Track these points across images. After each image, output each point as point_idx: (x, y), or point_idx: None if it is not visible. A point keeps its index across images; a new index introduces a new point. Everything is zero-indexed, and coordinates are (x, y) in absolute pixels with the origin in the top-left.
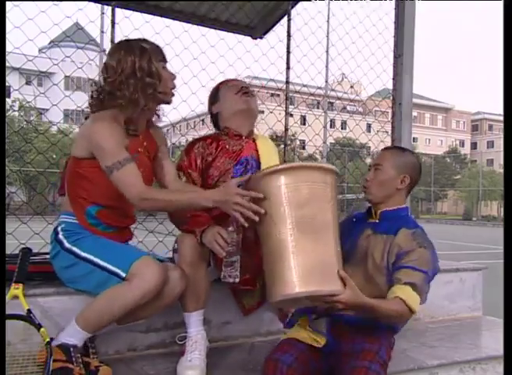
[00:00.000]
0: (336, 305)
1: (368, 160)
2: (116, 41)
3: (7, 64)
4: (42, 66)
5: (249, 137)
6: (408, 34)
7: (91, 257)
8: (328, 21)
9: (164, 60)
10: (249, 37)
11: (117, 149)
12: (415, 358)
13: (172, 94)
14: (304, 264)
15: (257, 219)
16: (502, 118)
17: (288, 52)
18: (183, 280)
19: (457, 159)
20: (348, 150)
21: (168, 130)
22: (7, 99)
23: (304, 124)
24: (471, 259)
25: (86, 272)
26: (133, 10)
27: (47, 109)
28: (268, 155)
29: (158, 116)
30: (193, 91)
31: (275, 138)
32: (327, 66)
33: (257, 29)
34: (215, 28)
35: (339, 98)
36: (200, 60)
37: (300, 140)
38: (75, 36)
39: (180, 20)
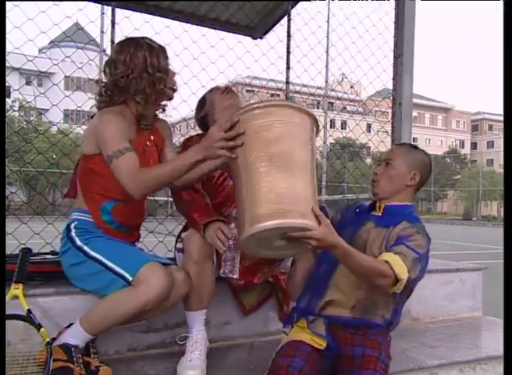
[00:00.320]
0: (309, 242)
1: (368, 160)
2: (116, 41)
3: (7, 64)
4: (42, 66)
5: None
6: (408, 34)
7: (100, 257)
8: (328, 21)
9: (167, 58)
10: (249, 37)
11: (118, 139)
12: (415, 358)
13: (174, 91)
14: (276, 199)
15: (233, 156)
16: (502, 118)
17: (288, 52)
18: (187, 282)
19: (457, 159)
20: (348, 150)
21: None
22: (7, 99)
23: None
24: (471, 259)
25: (93, 271)
26: (133, 10)
27: (47, 109)
28: None
29: (164, 109)
30: (193, 91)
31: None
32: (327, 66)
33: (257, 29)
34: (215, 28)
35: (339, 98)
36: (200, 60)
37: None
38: (75, 36)
39: (180, 20)
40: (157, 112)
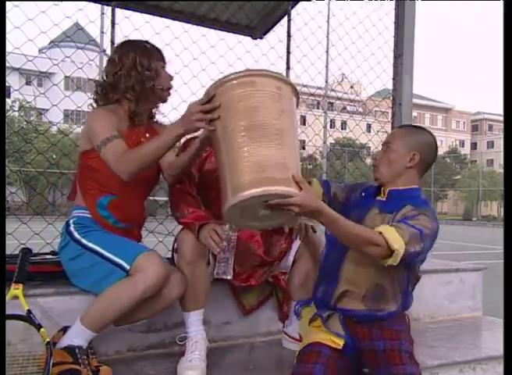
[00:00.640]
0: (291, 208)
1: (368, 160)
2: (116, 41)
3: (7, 64)
4: (42, 67)
5: None
6: (408, 34)
7: (97, 248)
8: (328, 21)
9: (163, 61)
10: (249, 38)
11: (106, 129)
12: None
13: (169, 94)
14: (256, 168)
15: (211, 128)
16: (502, 118)
17: (288, 52)
18: (183, 283)
19: (457, 159)
20: (348, 150)
21: None
22: (7, 99)
23: (304, 124)
24: (471, 259)
25: (90, 263)
26: (133, 10)
27: (47, 109)
28: None
29: (157, 108)
30: (193, 91)
31: None
32: (327, 66)
33: (257, 29)
34: (215, 28)
35: (339, 98)
36: (200, 60)
37: (300, 140)
38: (75, 36)
39: (180, 20)
40: (154, 113)
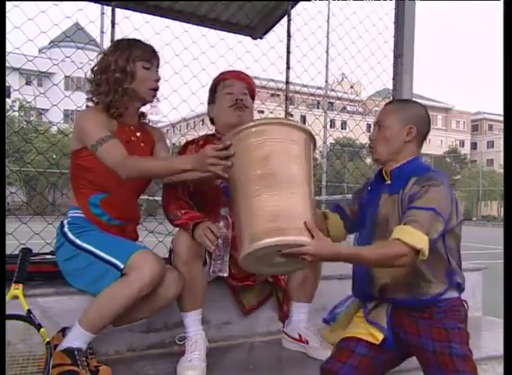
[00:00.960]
0: (304, 257)
1: (368, 160)
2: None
3: (7, 64)
4: (42, 66)
5: None
6: (408, 34)
7: (91, 248)
8: (328, 21)
9: (148, 61)
10: (249, 38)
11: (99, 129)
12: (415, 358)
13: (153, 95)
14: (268, 218)
15: (225, 174)
16: (502, 118)
17: (288, 52)
18: (180, 282)
19: (457, 159)
20: (348, 150)
21: (168, 130)
22: (7, 99)
23: (304, 124)
24: (471, 259)
25: (85, 264)
26: (133, 10)
27: (47, 109)
28: None
29: (144, 113)
30: (193, 91)
31: None
32: (327, 66)
33: (257, 29)
34: (215, 28)
35: (339, 98)
36: (200, 60)
37: None
38: (75, 36)
39: (180, 20)
40: (145, 113)
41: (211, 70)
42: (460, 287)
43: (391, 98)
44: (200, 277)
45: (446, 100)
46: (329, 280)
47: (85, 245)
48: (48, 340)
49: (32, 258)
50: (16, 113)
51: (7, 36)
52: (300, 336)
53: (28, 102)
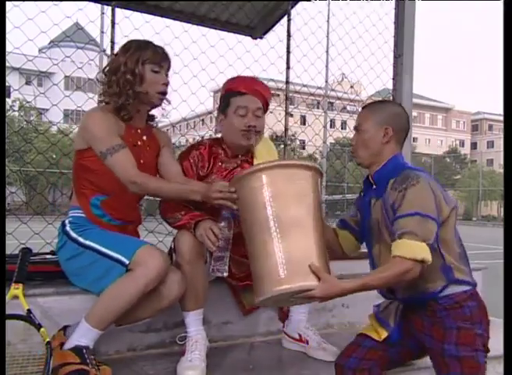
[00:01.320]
0: (313, 299)
1: None
2: (116, 41)
3: (7, 64)
4: (42, 66)
5: (246, 154)
6: (408, 34)
7: (95, 245)
8: (328, 21)
9: (157, 64)
10: (249, 37)
11: (110, 136)
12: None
13: (160, 99)
14: (274, 267)
15: (234, 206)
16: (502, 118)
17: (288, 52)
18: (183, 282)
19: (457, 159)
20: (348, 150)
21: (168, 129)
22: (7, 99)
23: (304, 124)
24: (471, 259)
25: (89, 261)
26: (133, 10)
27: (47, 109)
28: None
29: (153, 116)
30: (193, 91)
31: (275, 138)
32: (327, 66)
33: (257, 29)
34: (215, 28)
35: (339, 98)
36: (200, 60)
37: (300, 140)
38: (75, 36)
39: (180, 20)
40: (154, 116)
41: (211, 70)
42: (464, 282)
43: (391, 98)
44: (203, 277)
45: (446, 100)
46: None
47: (88, 243)
48: (48, 340)
49: (32, 258)
50: (16, 113)
51: (7, 36)
52: (300, 336)
53: (28, 102)
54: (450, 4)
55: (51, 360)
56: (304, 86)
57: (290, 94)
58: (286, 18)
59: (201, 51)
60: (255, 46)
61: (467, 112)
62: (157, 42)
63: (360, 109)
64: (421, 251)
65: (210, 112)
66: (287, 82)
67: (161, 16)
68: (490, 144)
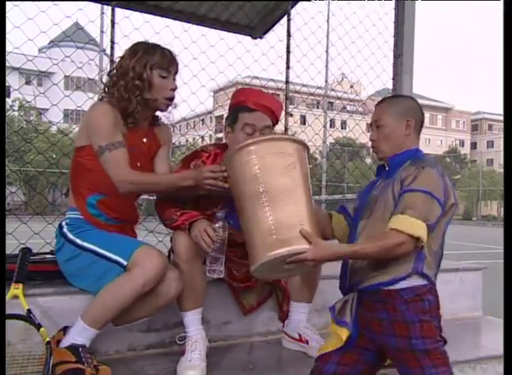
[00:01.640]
0: (306, 263)
1: (368, 160)
2: (116, 40)
3: (7, 64)
4: (42, 66)
5: None
6: (408, 34)
7: (93, 247)
8: (328, 21)
9: (166, 69)
10: (249, 37)
11: (113, 131)
12: None
13: (167, 104)
14: (266, 233)
15: (225, 185)
16: (502, 118)
17: (288, 52)
18: (180, 281)
19: (457, 159)
20: (348, 150)
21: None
22: (7, 99)
23: (304, 124)
24: (470, 259)
25: (88, 263)
26: (133, 10)
27: (47, 109)
28: None
29: (157, 117)
30: (193, 90)
31: None
32: (327, 66)
33: (257, 29)
34: (215, 28)
35: (338, 98)
36: (200, 60)
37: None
38: (75, 36)
39: (180, 20)
40: (158, 117)
41: (211, 70)
42: (426, 277)
43: None
44: (200, 276)
45: (446, 100)
46: (329, 280)
47: (86, 244)
48: (47, 339)
49: (32, 257)
50: (16, 113)
51: (7, 35)
52: (299, 336)
53: (28, 102)
54: (450, 4)
55: (50, 360)
56: (304, 86)
57: (290, 94)
58: (285, 18)
59: (201, 51)
60: (255, 46)
61: (467, 112)
62: (157, 42)
63: (373, 107)
64: (419, 229)
65: (210, 112)
66: (287, 82)
67: (161, 16)
68: (490, 144)
